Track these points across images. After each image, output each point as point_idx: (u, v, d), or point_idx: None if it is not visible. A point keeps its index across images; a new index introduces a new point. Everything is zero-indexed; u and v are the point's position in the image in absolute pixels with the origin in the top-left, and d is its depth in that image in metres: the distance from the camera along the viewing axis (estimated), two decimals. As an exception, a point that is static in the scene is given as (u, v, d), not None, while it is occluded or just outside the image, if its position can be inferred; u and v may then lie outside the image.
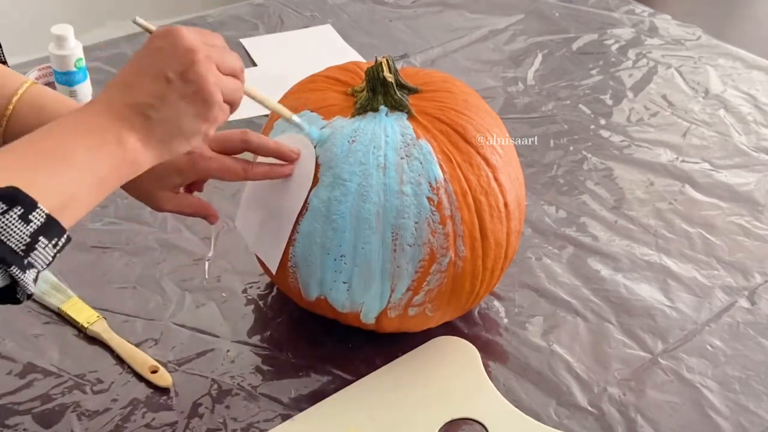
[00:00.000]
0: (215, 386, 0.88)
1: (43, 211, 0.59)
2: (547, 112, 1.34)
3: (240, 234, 0.93)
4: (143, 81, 0.65)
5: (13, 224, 0.58)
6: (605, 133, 1.30)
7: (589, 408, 0.87)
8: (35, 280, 0.61)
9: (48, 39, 1.20)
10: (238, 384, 0.88)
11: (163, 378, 0.87)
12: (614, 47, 1.52)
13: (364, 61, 1.21)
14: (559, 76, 1.43)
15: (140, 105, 0.64)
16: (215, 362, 0.90)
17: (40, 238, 0.59)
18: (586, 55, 1.49)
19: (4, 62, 0.85)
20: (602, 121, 1.32)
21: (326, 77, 0.92)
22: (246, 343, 0.93)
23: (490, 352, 0.93)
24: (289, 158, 0.83)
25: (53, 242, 0.60)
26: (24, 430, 0.82)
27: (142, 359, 0.89)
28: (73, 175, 0.62)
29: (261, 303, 0.98)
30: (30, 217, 0.58)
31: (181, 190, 0.83)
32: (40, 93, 0.79)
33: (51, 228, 0.60)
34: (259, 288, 0.99)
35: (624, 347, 0.94)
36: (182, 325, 0.94)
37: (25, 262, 0.59)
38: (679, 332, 0.96)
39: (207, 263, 1.02)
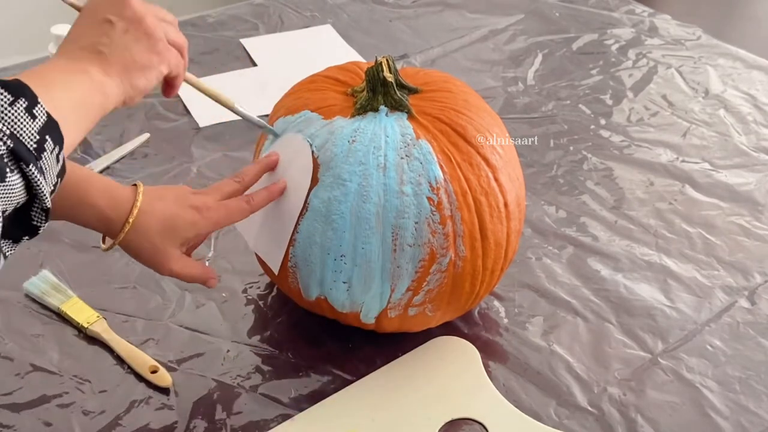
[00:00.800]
0: (215, 386, 0.88)
1: (44, 108, 0.58)
2: (547, 112, 1.34)
3: (240, 234, 0.93)
4: (89, 28, 0.70)
5: (21, 117, 0.57)
6: (605, 133, 1.30)
7: (589, 408, 0.87)
8: (52, 192, 0.59)
9: (48, 39, 1.20)
10: (238, 384, 0.88)
11: (163, 378, 0.87)
12: (614, 47, 1.52)
13: (364, 61, 1.21)
14: (559, 76, 1.43)
15: (92, 44, 0.68)
16: (215, 362, 0.90)
17: (47, 137, 0.58)
18: (586, 55, 1.49)
19: None
20: (602, 121, 1.32)
21: (326, 77, 0.92)
22: (246, 343, 0.93)
23: (490, 352, 0.93)
24: (273, 166, 0.85)
25: (56, 150, 0.59)
26: (24, 430, 0.82)
27: (142, 359, 0.89)
28: (54, 95, 0.62)
29: (261, 303, 0.98)
30: (34, 111, 0.57)
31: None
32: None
33: (53, 129, 0.59)
34: (259, 288, 0.99)
35: (624, 347, 0.94)
36: (182, 325, 0.94)
37: (39, 165, 0.57)
38: (679, 332, 0.96)
39: (207, 263, 1.02)
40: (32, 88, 0.59)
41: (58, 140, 0.59)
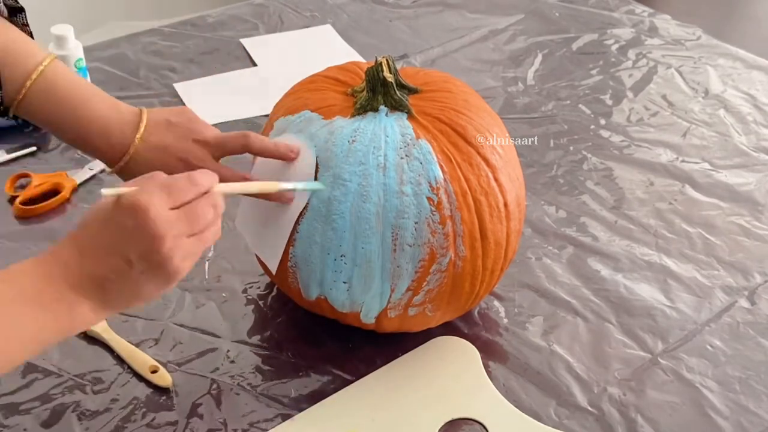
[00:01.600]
0: (215, 386, 0.88)
1: None
2: (547, 112, 1.34)
3: (240, 234, 0.93)
4: (102, 254, 0.63)
5: None
6: (605, 133, 1.30)
7: (589, 408, 0.87)
8: None
9: (48, 39, 1.20)
10: (238, 384, 0.88)
11: (163, 378, 0.87)
12: (614, 47, 1.52)
13: (364, 61, 1.21)
14: (559, 76, 1.43)
15: (98, 278, 0.63)
16: (215, 362, 0.90)
17: None
18: (586, 55, 1.49)
19: (29, 32, 0.86)
20: (602, 121, 1.32)
21: (326, 77, 0.92)
22: (246, 343, 0.93)
23: (490, 352, 0.93)
24: (287, 158, 0.84)
25: None
26: (24, 430, 0.83)
27: (142, 359, 0.89)
28: (12, 347, 0.60)
29: (261, 303, 0.98)
30: None
31: None
32: (56, 72, 0.81)
33: None
34: (259, 288, 0.99)
35: (624, 347, 0.94)
36: (182, 325, 0.94)
37: None
38: (679, 332, 0.96)
39: (207, 263, 1.02)
40: None
41: None
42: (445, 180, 0.81)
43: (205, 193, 0.68)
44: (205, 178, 0.68)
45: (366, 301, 0.84)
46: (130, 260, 0.63)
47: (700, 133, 1.30)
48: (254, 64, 1.42)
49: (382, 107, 0.85)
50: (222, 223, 1.05)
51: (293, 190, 0.81)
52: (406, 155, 0.81)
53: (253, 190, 0.81)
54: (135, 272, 0.63)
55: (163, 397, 0.86)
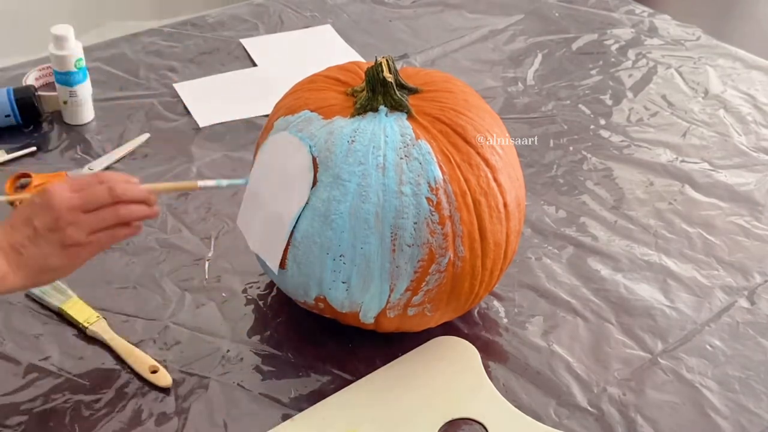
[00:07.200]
0: (215, 386, 0.88)
1: None
2: (547, 112, 1.34)
3: (240, 234, 0.93)
4: (19, 224, 0.79)
5: None
6: (605, 133, 1.30)
7: (589, 408, 0.87)
8: None
9: (48, 39, 1.20)
10: (238, 384, 0.88)
11: (163, 378, 0.87)
12: (614, 47, 1.52)
13: (364, 61, 1.21)
14: (559, 76, 1.43)
15: (15, 243, 0.78)
16: (215, 362, 0.90)
17: None
18: (586, 55, 1.50)
19: None
20: (602, 121, 1.32)
21: (326, 77, 0.92)
22: (246, 343, 0.93)
23: (490, 352, 0.93)
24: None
25: None
26: (24, 430, 0.83)
27: (142, 359, 0.89)
28: None
29: (261, 303, 0.98)
30: None
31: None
32: None
33: None
34: (259, 288, 0.99)
35: (624, 347, 0.94)
36: (182, 325, 0.94)
37: None
38: (679, 332, 0.96)
39: (207, 263, 1.02)
40: None
41: None
42: (444, 180, 0.81)
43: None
44: (111, 174, 0.83)
45: (365, 301, 0.84)
46: (36, 229, 0.78)
47: (700, 133, 1.30)
48: (254, 64, 1.42)
49: (381, 107, 0.85)
50: (222, 224, 1.06)
51: (218, 187, 0.90)
52: (406, 155, 0.81)
53: (171, 187, 0.93)
54: (42, 240, 0.78)
55: (163, 397, 0.86)
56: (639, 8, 1.65)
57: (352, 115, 0.85)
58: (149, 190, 0.83)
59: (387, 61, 0.85)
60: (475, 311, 0.97)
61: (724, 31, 2.46)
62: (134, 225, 0.83)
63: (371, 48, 1.47)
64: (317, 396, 0.87)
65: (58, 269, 0.81)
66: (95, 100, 1.28)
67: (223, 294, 0.98)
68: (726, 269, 1.05)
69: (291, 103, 0.89)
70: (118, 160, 1.18)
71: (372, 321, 0.87)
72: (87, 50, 1.28)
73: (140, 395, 0.86)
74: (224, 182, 0.90)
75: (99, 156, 1.18)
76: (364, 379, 0.89)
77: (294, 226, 0.83)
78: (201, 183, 0.88)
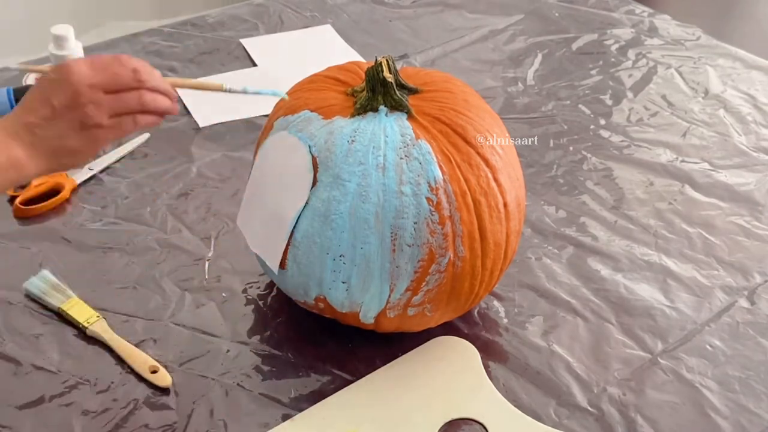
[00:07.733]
0: (215, 386, 0.88)
1: None
2: (547, 112, 1.34)
3: (240, 234, 0.93)
4: (35, 104, 0.75)
5: None
6: (605, 133, 1.30)
7: (589, 408, 0.87)
8: None
9: (48, 39, 1.20)
10: (238, 384, 0.88)
11: (163, 378, 0.87)
12: (614, 47, 1.52)
13: (364, 61, 1.21)
14: (559, 76, 1.43)
15: (29, 124, 0.74)
16: (215, 362, 0.90)
17: None
18: (585, 55, 1.49)
19: None
20: (602, 121, 1.32)
21: (326, 77, 0.92)
22: (246, 343, 0.93)
23: (490, 352, 0.93)
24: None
25: None
26: (24, 430, 0.83)
27: (142, 359, 0.89)
28: None
29: (261, 303, 0.98)
30: None
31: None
32: None
33: None
34: (259, 288, 0.99)
35: (624, 347, 0.94)
36: (182, 325, 0.94)
37: None
38: (679, 332, 0.96)
39: (207, 263, 1.02)
40: None
41: None
42: (444, 180, 0.81)
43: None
44: (133, 59, 0.77)
45: (365, 301, 0.84)
46: (54, 107, 0.74)
47: (700, 133, 1.30)
48: (254, 64, 1.42)
49: (381, 107, 0.85)
50: (222, 224, 1.06)
51: (244, 92, 0.86)
52: (406, 155, 0.81)
53: (194, 84, 0.92)
54: (59, 120, 0.74)
55: (163, 397, 0.86)
56: (639, 8, 1.65)
57: (352, 115, 0.85)
58: (172, 83, 0.80)
59: (387, 61, 0.85)
60: (475, 311, 0.97)
61: (724, 31, 2.46)
62: (156, 115, 0.79)
63: (371, 48, 1.47)
64: (317, 396, 0.87)
65: (77, 152, 0.76)
66: (95, 100, 1.28)
67: (223, 294, 0.98)
68: (726, 269, 1.05)
69: (291, 103, 0.89)
70: (118, 160, 1.18)
71: (372, 321, 0.87)
72: (87, 50, 1.28)
73: (140, 395, 0.86)
74: (251, 89, 0.86)
75: (99, 155, 1.18)
76: (364, 379, 0.89)
77: (294, 226, 0.83)
78: (228, 86, 0.86)
